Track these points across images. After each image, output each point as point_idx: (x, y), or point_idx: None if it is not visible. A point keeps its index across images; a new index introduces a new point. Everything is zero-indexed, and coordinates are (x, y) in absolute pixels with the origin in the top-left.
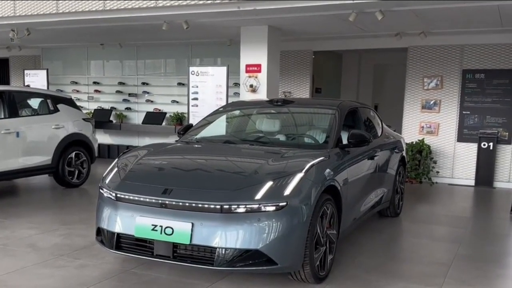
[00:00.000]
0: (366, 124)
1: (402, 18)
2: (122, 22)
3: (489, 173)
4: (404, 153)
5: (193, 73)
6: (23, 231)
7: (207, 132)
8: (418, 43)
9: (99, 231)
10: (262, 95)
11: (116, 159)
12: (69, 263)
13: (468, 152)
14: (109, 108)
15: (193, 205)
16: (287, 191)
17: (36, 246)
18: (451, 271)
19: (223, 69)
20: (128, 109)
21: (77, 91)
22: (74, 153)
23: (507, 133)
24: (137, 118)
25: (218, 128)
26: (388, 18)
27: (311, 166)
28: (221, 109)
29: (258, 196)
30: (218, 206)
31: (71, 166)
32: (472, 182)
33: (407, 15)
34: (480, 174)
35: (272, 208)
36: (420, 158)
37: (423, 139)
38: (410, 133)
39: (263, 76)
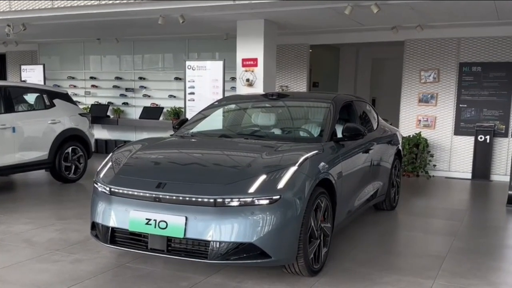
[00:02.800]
0: (362, 118)
1: (397, 11)
2: (117, 16)
3: (485, 166)
4: (400, 147)
5: (189, 67)
6: (20, 226)
7: (202, 126)
8: (415, 36)
9: (94, 226)
10: (258, 89)
11: (111, 154)
12: (64, 258)
13: (465, 145)
14: (106, 103)
15: (187, 199)
16: (281, 185)
17: (32, 241)
18: (445, 264)
19: (220, 64)
20: (125, 104)
21: (74, 86)
22: (70, 148)
23: (504, 126)
24: (134, 113)
25: (213, 122)
26: (383, 11)
27: (305, 159)
28: (216, 103)
29: (252, 189)
30: (212, 200)
31: (68, 161)
32: (469, 175)
33: (403, 8)
34: (477, 167)
35: (265, 202)
36: (417, 151)
37: (420, 132)
38: (407, 127)
39: (259, 70)
